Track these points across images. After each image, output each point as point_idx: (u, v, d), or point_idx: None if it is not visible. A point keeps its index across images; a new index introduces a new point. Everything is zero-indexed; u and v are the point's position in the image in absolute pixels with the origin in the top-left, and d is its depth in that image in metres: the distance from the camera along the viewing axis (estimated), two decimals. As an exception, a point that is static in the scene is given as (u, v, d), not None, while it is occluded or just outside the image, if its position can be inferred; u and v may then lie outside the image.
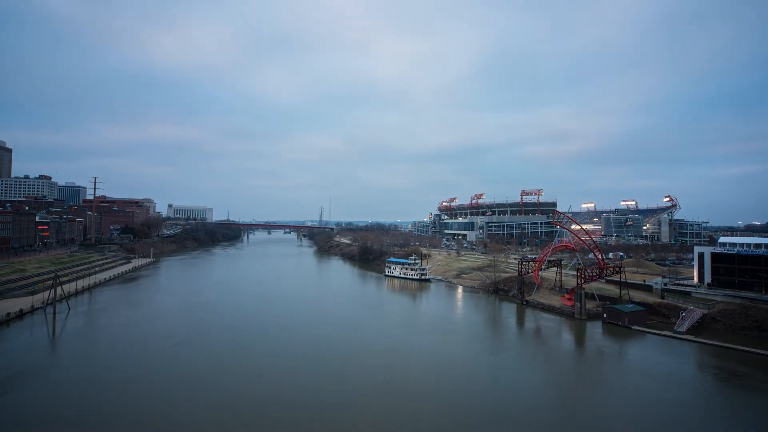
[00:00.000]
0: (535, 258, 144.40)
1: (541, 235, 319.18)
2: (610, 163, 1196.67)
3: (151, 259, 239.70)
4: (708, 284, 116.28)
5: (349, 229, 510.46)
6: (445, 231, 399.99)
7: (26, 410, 53.85)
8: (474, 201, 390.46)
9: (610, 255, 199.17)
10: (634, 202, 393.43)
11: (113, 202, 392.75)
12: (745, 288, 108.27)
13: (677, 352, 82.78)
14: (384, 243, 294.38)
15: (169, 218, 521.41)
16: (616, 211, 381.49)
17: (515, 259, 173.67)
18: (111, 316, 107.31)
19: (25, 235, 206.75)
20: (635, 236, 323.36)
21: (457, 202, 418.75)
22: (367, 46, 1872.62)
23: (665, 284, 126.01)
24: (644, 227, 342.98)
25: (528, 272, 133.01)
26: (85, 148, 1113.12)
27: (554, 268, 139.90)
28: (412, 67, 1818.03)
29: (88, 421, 51.20)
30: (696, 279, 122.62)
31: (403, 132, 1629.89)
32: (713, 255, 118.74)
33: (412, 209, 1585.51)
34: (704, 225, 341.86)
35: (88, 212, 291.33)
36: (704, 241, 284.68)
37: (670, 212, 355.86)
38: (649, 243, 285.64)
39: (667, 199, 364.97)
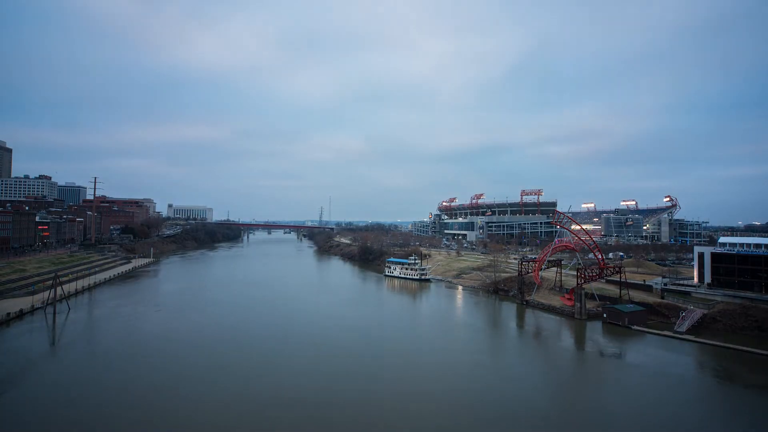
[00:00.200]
0: (535, 258, 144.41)
1: (541, 235, 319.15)
2: (618, 164, 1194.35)
3: (151, 259, 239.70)
4: (708, 284, 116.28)
5: (349, 229, 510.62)
6: (445, 231, 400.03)
7: (26, 410, 53.86)
8: (474, 201, 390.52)
9: (610, 255, 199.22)
10: (634, 202, 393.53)
11: (113, 202, 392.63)
12: (745, 288, 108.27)
13: (677, 352, 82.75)
14: (384, 243, 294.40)
15: (169, 218, 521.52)
16: (616, 211, 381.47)
17: (515, 259, 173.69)
18: (111, 316, 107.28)
19: (25, 235, 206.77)
20: (635, 236, 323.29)
21: (457, 202, 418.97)
22: (401, 45, 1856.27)
23: (665, 284, 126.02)
24: (644, 227, 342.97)
25: (528, 272, 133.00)
26: (90, 148, 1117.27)
27: (554, 268, 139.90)
28: (442, 68, 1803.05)
29: (88, 421, 51.20)
30: (696, 279, 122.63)
31: (425, 132, 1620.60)
32: (713, 255, 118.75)
33: (412, 209, 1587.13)
34: (704, 225, 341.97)
35: (88, 212, 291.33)
36: (704, 241, 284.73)
37: (670, 212, 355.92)
38: (649, 243, 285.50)
39: (667, 199, 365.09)
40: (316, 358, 76.33)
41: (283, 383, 64.02)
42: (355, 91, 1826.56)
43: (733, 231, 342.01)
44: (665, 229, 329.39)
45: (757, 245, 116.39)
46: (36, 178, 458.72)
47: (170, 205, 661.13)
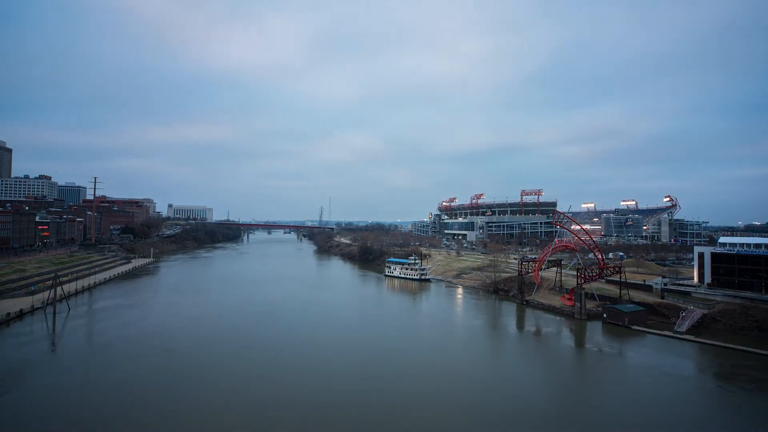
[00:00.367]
0: (535, 258, 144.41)
1: (541, 235, 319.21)
2: (620, 165, 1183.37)
3: (151, 259, 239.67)
4: (708, 284, 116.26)
5: (349, 229, 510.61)
6: (445, 231, 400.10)
7: (26, 410, 53.86)
8: (474, 201, 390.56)
9: (610, 255, 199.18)
10: (634, 202, 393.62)
11: (113, 202, 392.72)
12: (745, 288, 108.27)
13: (677, 352, 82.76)
14: (384, 243, 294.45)
15: (169, 218, 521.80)
16: (616, 211, 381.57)
17: (515, 259, 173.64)
18: (111, 316, 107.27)
19: (25, 235, 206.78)
20: (635, 236, 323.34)
21: (457, 202, 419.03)
22: (434, 45, 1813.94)
23: (665, 284, 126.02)
24: (644, 227, 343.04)
25: (528, 272, 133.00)
26: (90, 148, 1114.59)
27: (554, 268, 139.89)
28: (471, 68, 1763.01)
29: (88, 421, 51.17)
30: (696, 279, 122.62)
31: (443, 132, 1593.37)
32: (713, 255, 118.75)
33: (412, 209, 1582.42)
34: (704, 225, 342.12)
35: (88, 212, 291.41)
36: (704, 241, 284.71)
37: (670, 212, 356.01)
38: (649, 243, 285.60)
39: (667, 199, 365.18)
40: (316, 357, 76.30)
41: (283, 383, 64.02)
42: (379, 91, 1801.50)
43: (733, 231, 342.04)
44: (665, 229, 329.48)
45: (757, 245, 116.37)
46: (36, 178, 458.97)
47: (170, 205, 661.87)
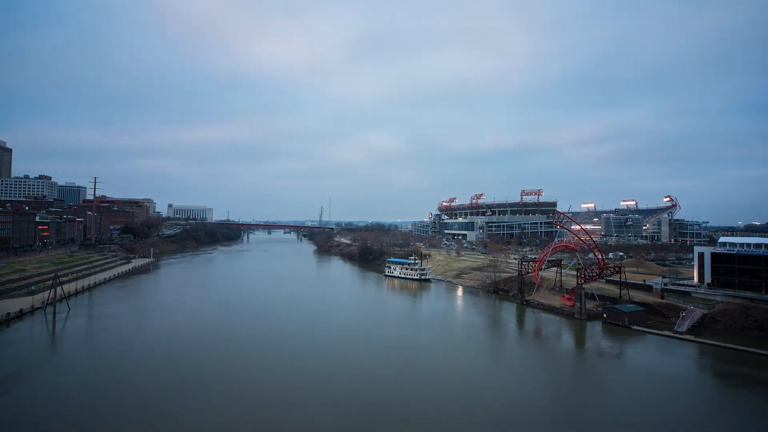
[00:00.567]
0: (535, 258, 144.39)
1: (541, 235, 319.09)
2: (622, 165, 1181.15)
3: (151, 259, 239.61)
4: (708, 284, 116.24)
5: (349, 229, 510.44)
6: (445, 231, 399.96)
7: (26, 410, 53.89)
8: (474, 201, 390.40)
9: (610, 255, 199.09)
10: (634, 202, 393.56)
11: (113, 202, 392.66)
12: (745, 288, 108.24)
13: (677, 352, 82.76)
14: (384, 243, 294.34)
15: (169, 218, 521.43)
16: (616, 211, 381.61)
17: (515, 259, 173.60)
18: (111, 315, 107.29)
19: (25, 235, 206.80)
20: (635, 236, 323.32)
21: (457, 202, 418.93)
22: (465, 46, 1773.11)
23: (665, 284, 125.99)
24: (644, 227, 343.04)
25: (528, 272, 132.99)
26: (91, 148, 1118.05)
27: (554, 268, 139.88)
28: (501, 68, 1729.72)
29: (88, 421, 51.18)
30: (696, 279, 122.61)
31: (468, 132, 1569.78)
32: (713, 255, 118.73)
33: (412, 209, 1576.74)
34: (704, 225, 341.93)
35: (88, 212, 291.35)
36: (704, 241, 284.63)
37: (670, 212, 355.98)
38: (649, 243, 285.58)
39: (667, 199, 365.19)
40: (316, 357, 76.27)
41: (283, 383, 64.02)
42: (409, 91, 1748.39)
43: (733, 231, 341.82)
44: (665, 229, 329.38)
45: (757, 245, 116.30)
46: (36, 178, 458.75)
47: (170, 205, 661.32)
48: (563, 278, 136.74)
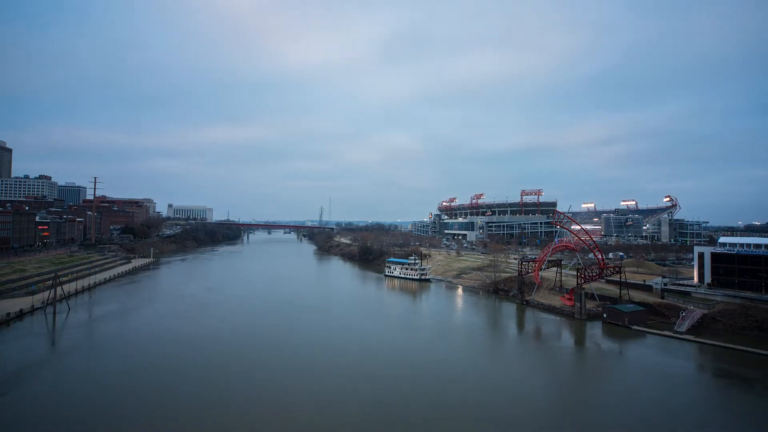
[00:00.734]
0: (535, 258, 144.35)
1: (541, 235, 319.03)
2: (623, 166, 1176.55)
3: (151, 259, 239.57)
4: (708, 284, 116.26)
5: (349, 229, 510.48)
6: (445, 231, 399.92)
7: (26, 410, 53.89)
8: (474, 201, 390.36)
9: (610, 255, 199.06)
10: (634, 202, 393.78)
11: (113, 202, 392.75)
12: (745, 288, 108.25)
13: (677, 352, 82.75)
14: (384, 243, 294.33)
15: (169, 218, 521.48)
16: (616, 211, 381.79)
17: (515, 259, 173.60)
18: (111, 315, 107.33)
19: (25, 235, 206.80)
20: (635, 236, 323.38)
21: (457, 202, 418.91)
22: (493, 46, 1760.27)
23: (665, 284, 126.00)
24: (644, 227, 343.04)
25: (528, 272, 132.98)
26: (90, 148, 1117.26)
27: (554, 268, 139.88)
28: (527, 69, 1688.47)
29: (88, 421, 51.20)
30: (696, 279, 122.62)
31: (487, 132, 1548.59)
32: (713, 255, 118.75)
33: (412, 209, 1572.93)
34: (704, 225, 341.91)
35: (88, 212, 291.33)
36: (704, 241, 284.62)
37: (670, 212, 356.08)
38: (649, 243, 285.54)
39: (667, 199, 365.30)
40: (317, 357, 76.26)
41: (283, 383, 64.03)
42: (432, 91, 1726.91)
43: (733, 231, 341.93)
44: (665, 229, 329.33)
45: (757, 245, 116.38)
46: (36, 178, 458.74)
47: (170, 205, 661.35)
48: (563, 278, 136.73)
